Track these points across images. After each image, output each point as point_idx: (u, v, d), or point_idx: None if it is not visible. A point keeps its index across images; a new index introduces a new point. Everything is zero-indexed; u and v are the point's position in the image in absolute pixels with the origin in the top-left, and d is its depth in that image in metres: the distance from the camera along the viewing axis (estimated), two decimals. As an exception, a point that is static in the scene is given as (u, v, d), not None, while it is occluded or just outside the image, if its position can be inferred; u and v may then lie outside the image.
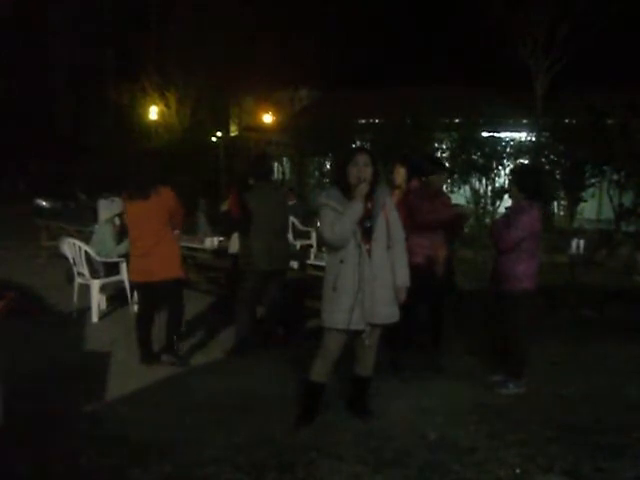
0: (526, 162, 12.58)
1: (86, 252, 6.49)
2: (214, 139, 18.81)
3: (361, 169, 3.79)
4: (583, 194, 12.39)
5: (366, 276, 3.77)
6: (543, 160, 12.45)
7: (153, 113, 19.38)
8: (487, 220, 12.45)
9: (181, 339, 5.56)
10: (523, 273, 4.56)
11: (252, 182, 5.49)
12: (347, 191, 3.82)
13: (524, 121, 14.05)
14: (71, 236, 7.23)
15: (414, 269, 4.85)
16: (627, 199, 12.21)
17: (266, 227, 5.37)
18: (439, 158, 10.04)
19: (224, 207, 6.09)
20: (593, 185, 12.43)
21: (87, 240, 6.93)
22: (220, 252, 7.40)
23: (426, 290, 4.96)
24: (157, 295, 5.27)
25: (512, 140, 13.17)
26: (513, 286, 4.58)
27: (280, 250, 5.55)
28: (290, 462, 3.56)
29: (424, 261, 5.01)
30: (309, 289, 6.46)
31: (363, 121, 15.61)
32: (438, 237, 5.13)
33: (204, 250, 7.76)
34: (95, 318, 6.54)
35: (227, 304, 6.49)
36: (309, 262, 6.51)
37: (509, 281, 4.59)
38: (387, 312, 3.88)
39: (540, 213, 4.70)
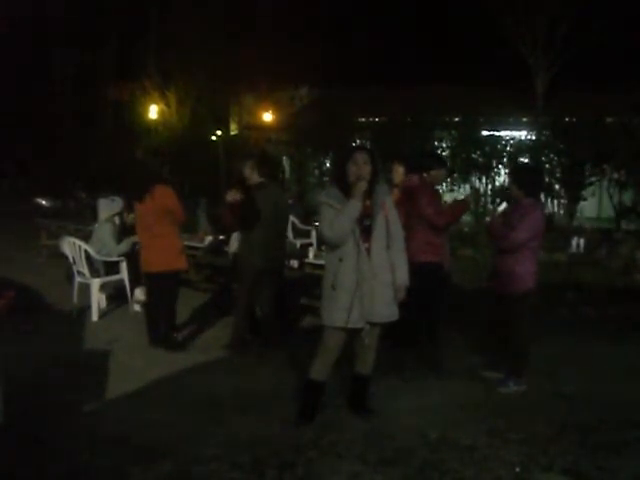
0: (525, 161, 12.59)
1: (86, 251, 6.49)
2: (214, 138, 18.79)
3: (361, 167, 3.79)
4: (583, 193, 12.41)
5: (365, 275, 3.77)
6: (543, 159, 12.46)
7: (153, 112, 19.37)
8: (487, 219, 12.45)
9: (176, 330, 5.79)
10: (526, 272, 4.56)
11: (259, 180, 5.45)
12: (346, 189, 3.82)
13: (524, 119, 14.05)
14: (71, 235, 7.22)
15: (431, 267, 4.93)
16: (627, 197, 12.22)
17: (270, 226, 5.36)
18: (438, 154, 10.05)
19: (230, 197, 5.98)
20: (593, 184, 12.44)
21: (87, 239, 6.93)
22: (216, 250, 7.40)
23: (443, 288, 5.07)
24: (159, 284, 5.56)
25: (512, 139, 13.18)
26: (517, 286, 4.58)
27: (279, 249, 5.57)
28: (290, 461, 3.56)
29: (439, 259, 5.06)
30: (308, 288, 6.46)
31: (363, 119, 15.61)
32: (444, 234, 5.19)
33: (204, 249, 7.75)
34: (95, 317, 6.54)
35: (227, 303, 6.49)
36: (308, 261, 6.51)
37: (513, 281, 4.58)
38: (386, 311, 3.88)
39: (543, 212, 4.71)
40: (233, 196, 5.40)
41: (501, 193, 12.38)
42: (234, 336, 5.52)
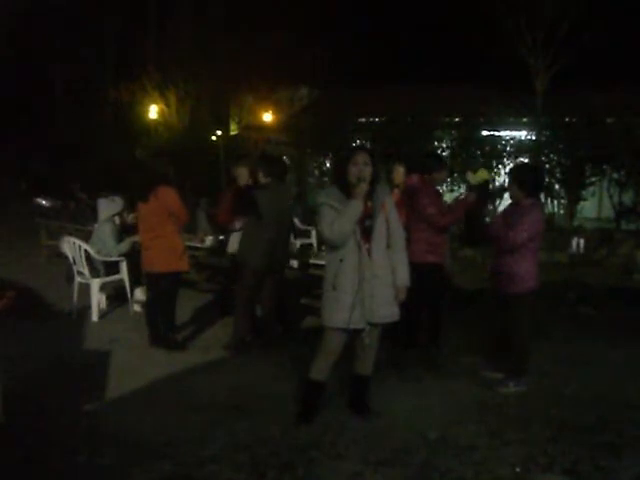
0: (525, 161, 12.60)
1: (86, 251, 6.49)
2: (214, 138, 18.79)
3: (361, 168, 3.79)
4: (583, 193, 12.41)
5: (366, 275, 3.77)
6: (543, 159, 12.46)
7: (153, 112, 19.36)
8: (487, 219, 12.45)
9: (175, 331, 5.77)
10: (527, 272, 4.56)
11: (265, 181, 5.45)
12: (346, 190, 3.82)
13: (524, 119, 14.05)
14: (71, 235, 7.22)
15: (432, 268, 4.96)
16: (627, 197, 12.23)
17: (274, 227, 5.36)
18: (439, 155, 10.09)
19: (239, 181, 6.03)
20: (593, 184, 12.45)
21: (87, 239, 6.93)
22: (218, 250, 7.40)
23: (444, 288, 5.10)
24: (159, 284, 5.57)
25: (512, 139, 13.18)
26: (518, 287, 4.57)
27: (281, 251, 5.57)
28: (290, 461, 3.57)
29: (440, 259, 5.09)
30: (308, 288, 6.46)
31: (363, 120, 15.61)
32: (445, 234, 5.24)
33: (204, 249, 7.75)
34: (95, 317, 6.54)
35: (226, 303, 6.49)
36: (309, 261, 6.51)
37: (513, 281, 4.58)
38: (387, 311, 3.88)
39: (542, 212, 4.70)
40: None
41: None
42: (234, 336, 5.52)
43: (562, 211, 12.77)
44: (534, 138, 13.10)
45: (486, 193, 4.80)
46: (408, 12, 21.42)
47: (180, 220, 5.54)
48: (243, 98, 20.70)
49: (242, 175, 5.98)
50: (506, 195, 12.03)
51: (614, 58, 16.02)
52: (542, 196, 12.06)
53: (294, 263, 6.59)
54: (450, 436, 3.91)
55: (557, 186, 12.58)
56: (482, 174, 5.21)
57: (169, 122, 19.68)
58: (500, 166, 12.96)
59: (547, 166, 12.39)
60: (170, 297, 5.60)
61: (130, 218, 6.99)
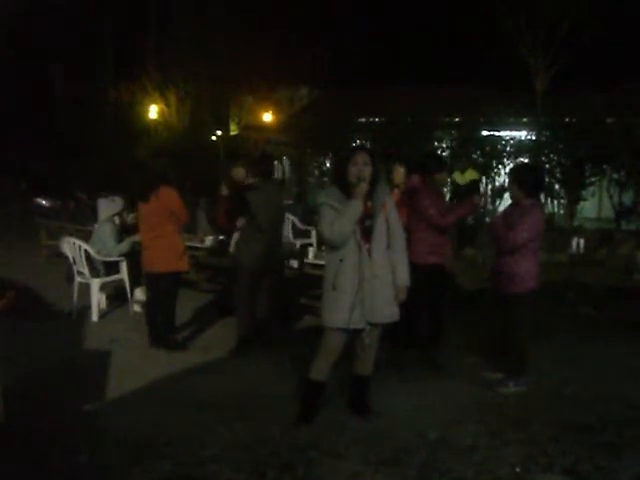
0: (525, 161, 12.60)
1: (86, 251, 6.49)
2: (214, 138, 18.79)
3: (360, 168, 3.79)
4: (583, 193, 12.40)
5: (366, 275, 3.77)
6: (543, 159, 12.46)
7: (153, 112, 19.36)
8: (487, 219, 12.46)
9: (175, 331, 5.78)
10: (527, 272, 4.56)
11: (253, 181, 5.47)
12: (346, 190, 3.82)
13: (524, 119, 14.05)
14: (71, 235, 7.22)
15: (434, 268, 4.97)
16: (627, 197, 12.22)
17: (267, 227, 5.36)
18: (440, 156, 10.08)
19: (224, 191, 6.14)
20: (593, 184, 12.44)
21: (87, 239, 6.93)
22: (218, 250, 7.40)
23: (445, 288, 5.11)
24: (159, 284, 5.57)
25: (512, 139, 13.17)
26: (519, 287, 4.57)
27: (277, 250, 5.56)
28: (290, 461, 3.57)
29: (442, 260, 5.10)
30: (308, 288, 6.46)
31: (363, 120, 15.60)
32: (447, 234, 5.26)
33: (204, 249, 7.75)
34: (95, 317, 6.54)
35: (227, 303, 6.49)
36: (308, 261, 6.51)
37: (513, 281, 4.58)
38: (387, 311, 3.89)
39: (543, 212, 4.71)
40: (225, 190, 5.46)
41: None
42: (238, 337, 5.50)
43: (562, 211, 12.76)
44: (534, 138, 13.10)
45: (475, 192, 4.82)
46: (408, 12, 21.43)
47: (180, 220, 5.56)
48: (243, 98, 20.69)
49: (239, 175, 6.02)
50: (506, 195, 12.06)
51: (614, 58, 16.03)
52: (542, 196, 12.05)
53: (294, 263, 6.59)
54: (450, 436, 3.91)
55: (557, 186, 12.57)
56: (470, 174, 5.24)
57: (169, 122, 19.68)
58: (500, 166, 12.96)
59: (547, 166, 12.38)
60: (170, 297, 5.60)
61: (130, 218, 6.99)
